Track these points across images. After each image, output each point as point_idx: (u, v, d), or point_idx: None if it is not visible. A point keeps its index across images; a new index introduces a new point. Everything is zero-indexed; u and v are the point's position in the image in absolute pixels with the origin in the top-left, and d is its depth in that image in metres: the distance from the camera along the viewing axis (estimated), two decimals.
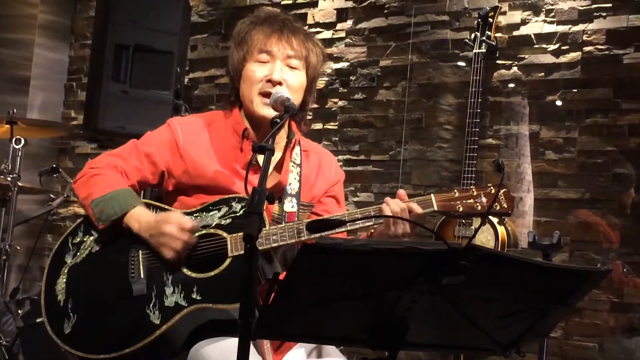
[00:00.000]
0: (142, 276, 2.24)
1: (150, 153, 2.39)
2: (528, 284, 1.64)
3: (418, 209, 2.22)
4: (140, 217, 2.27)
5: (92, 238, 2.34)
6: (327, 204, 2.50)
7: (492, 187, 2.27)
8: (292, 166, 2.44)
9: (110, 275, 2.28)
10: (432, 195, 2.25)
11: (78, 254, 2.33)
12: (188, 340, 2.19)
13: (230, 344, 2.10)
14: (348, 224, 2.20)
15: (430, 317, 1.68)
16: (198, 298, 2.19)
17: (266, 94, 2.35)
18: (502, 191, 2.27)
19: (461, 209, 2.24)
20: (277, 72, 2.36)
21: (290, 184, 2.41)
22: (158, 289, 2.22)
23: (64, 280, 2.30)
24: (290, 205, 2.38)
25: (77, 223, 2.38)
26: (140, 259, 2.27)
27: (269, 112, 2.33)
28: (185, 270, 2.23)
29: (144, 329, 2.18)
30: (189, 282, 2.21)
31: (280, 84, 2.35)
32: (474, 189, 2.27)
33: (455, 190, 2.27)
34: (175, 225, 2.21)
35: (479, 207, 2.24)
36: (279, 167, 2.42)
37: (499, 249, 3.63)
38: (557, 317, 1.80)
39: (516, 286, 1.64)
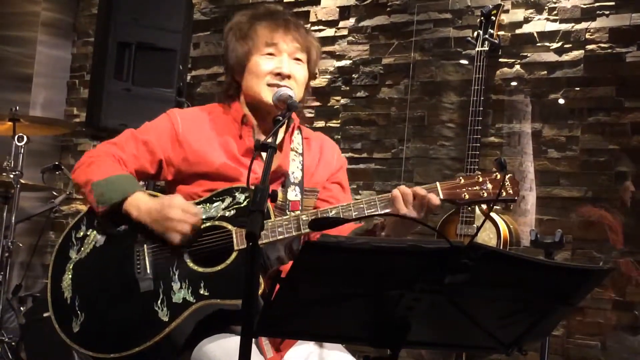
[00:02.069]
0: (148, 272, 2.23)
1: (148, 141, 2.38)
2: (530, 283, 1.64)
3: (422, 191, 2.18)
4: (139, 203, 2.25)
5: (95, 232, 2.33)
6: (332, 190, 2.48)
7: (497, 173, 2.23)
8: (295, 154, 2.44)
9: (116, 270, 2.27)
10: (437, 183, 2.22)
11: (82, 248, 2.31)
12: (194, 336, 2.18)
13: (233, 343, 2.10)
14: (354, 215, 2.20)
15: (432, 315, 1.68)
16: (206, 294, 2.18)
17: (274, 86, 2.36)
18: (507, 176, 2.24)
19: (467, 197, 2.21)
20: (286, 65, 2.38)
21: (293, 172, 2.40)
22: (165, 285, 2.21)
23: (70, 276, 2.29)
24: (294, 194, 2.38)
25: (80, 217, 2.36)
26: (146, 254, 2.26)
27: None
28: (191, 264, 2.22)
29: (153, 326, 2.17)
30: (195, 276, 2.20)
31: (289, 77, 2.37)
32: (479, 176, 2.22)
33: (460, 178, 2.23)
34: (179, 208, 2.20)
35: (485, 194, 2.21)
36: (279, 150, 2.40)
37: (501, 248, 3.63)
38: (559, 315, 1.80)
39: (518, 284, 1.64)
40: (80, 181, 2.35)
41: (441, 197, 2.20)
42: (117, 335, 2.21)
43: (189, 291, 2.19)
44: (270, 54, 2.39)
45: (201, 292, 2.18)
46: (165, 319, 2.18)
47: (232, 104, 2.46)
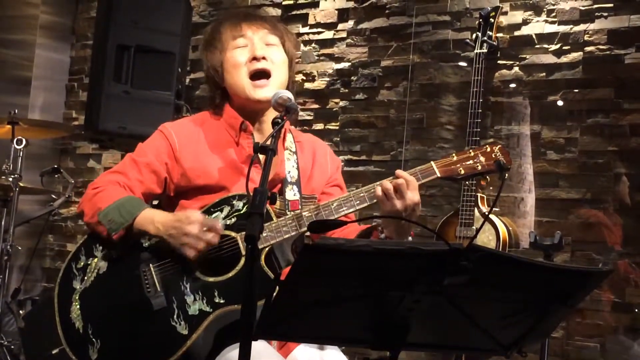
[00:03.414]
0: (159, 289, 2.22)
1: (149, 163, 2.37)
2: (529, 284, 1.64)
3: (407, 176, 2.18)
4: (154, 218, 2.24)
5: (96, 260, 2.30)
6: (333, 194, 2.46)
7: (487, 146, 2.26)
8: (289, 154, 2.43)
9: (125, 293, 2.24)
10: (432, 163, 2.24)
11: (86, 278, 2.29)
12: (214, 346, 2.17)
13: (255, 347, 2.09)
14: (353, 203, 2.21)
15: (432, 317, 1.68)
16: (221, 301, 2.17)
17: (255, 75, 2.36)
18: (497, 147, 2.26)
19: (463, 172, 2.24)
20: (259, 48, 2.37)
21: (289, 172, 2.39)
22: (178, 300, 2.20)
23: (78, 306, 2.27)
24: (292, 193, 2.37)
25: (77, 248, 2.34)
26: (153, 272, 2.24)
27: (264, 95, 2.34)
28: (200, 275, 2.21)
29: (174, 341, 2.16)
30: (208, 287, 2.19)
31: (264, 58, 2.36)
32: (470, 150, 2.26)
33: (453, 154, 2.27)
34: (198, 225, 2.18)
35: (479, 167, 2.24)
36: (274, 160, 2.40)
37: (500, 249, 3.63)
38: (559, 317, 1.80)
39: (517, 286, 1.64)
40: (87, 214, 2.32)
41: (439, 175, 2.23)
42: (138, 355, 2.20)
43: (204, 302, 2.18)
44: (242, 45, 2.39)
45: (216, 300, 2.17)
46: (185, 332, 2.16)
47: (224, 110, 2.44)
